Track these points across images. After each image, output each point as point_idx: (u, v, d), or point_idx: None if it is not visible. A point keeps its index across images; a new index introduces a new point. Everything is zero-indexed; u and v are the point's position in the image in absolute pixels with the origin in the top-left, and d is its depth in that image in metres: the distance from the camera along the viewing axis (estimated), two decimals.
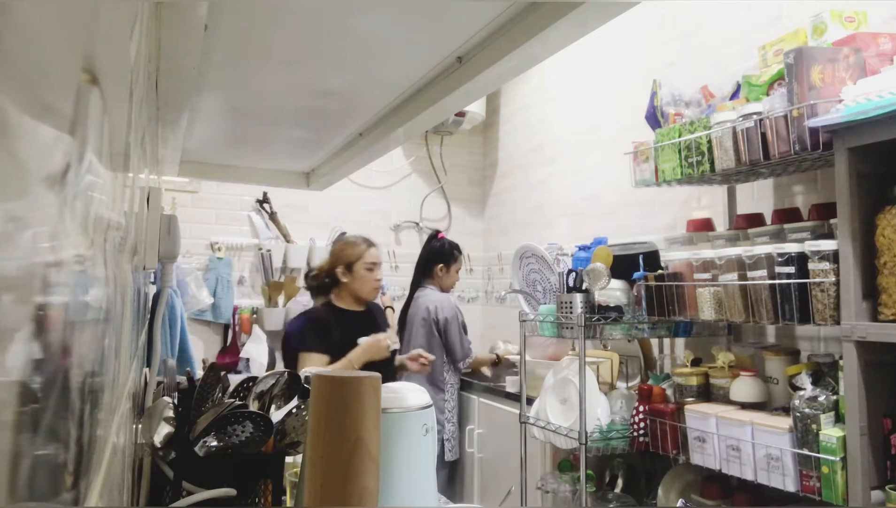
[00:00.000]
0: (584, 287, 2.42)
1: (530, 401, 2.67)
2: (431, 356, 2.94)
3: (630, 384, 2.73)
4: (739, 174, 2.13)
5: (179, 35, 0.99)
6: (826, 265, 1.68)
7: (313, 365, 2.54)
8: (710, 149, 2.06)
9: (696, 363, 2.31)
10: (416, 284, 3.50)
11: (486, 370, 3.63)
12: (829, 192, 2.04)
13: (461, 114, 4.07)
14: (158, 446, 1.14)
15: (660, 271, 2.28)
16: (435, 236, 3.57)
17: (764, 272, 1.84)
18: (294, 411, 1.19)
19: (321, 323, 2.70)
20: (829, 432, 1.70)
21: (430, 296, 3.37)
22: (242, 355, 3.81)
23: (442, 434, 3.38)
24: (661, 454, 2.22)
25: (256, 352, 3.81)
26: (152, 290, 2.15)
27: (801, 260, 1.76)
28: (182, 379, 1.29)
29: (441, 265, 3.44)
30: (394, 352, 2.80)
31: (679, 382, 2.25)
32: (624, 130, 3.03)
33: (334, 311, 2.77)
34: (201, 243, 3.89)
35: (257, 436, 1.11)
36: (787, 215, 2.05)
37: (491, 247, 4.53)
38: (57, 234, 0.32)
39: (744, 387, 2.05)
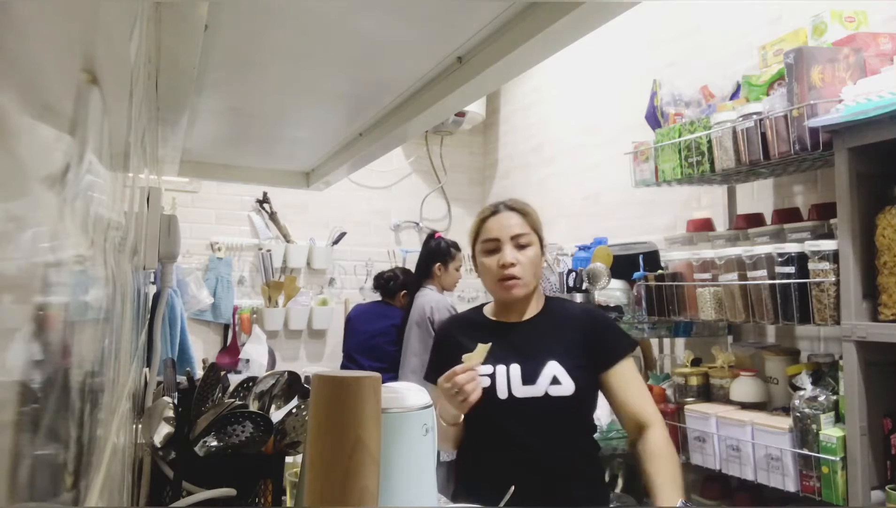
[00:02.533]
0: (584, 287, 2.42)
1: None
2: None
3: None
4: (739, 174, 2.13)
5: (179, 35, 0.99)
6: (826, 265, 1.69)
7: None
8: (710, 149, 2.06)
9: (696, 363, 2.31)
10: (416, 286, 3.50)
11: None
12: (829, 192, 2.04)
13: (461, 114, 4.08)
14: (158, 446, 1.14)
15: (660, 271, 2.29)
16: (432, 236, 3.58)
17: (764, 272, 1.84)
18: (294, 411, 1.19)
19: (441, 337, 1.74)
20: (829, 432, 1.70)
21: (427, 296, 3.37)
22: (242, 355, 3.81)
23: None
24: None
25: (256, 352, 3.81)
26: (152, 290, 2.15)
27: (801, 260, 1.76)
28: (182, 379, 1.29)
29: (439, 264, 3.45)
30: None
31: (679, 382, 2.25)
32: (624, 130, 3.03)
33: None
34: (201, 243, 3.89)
35: (257, 436, 1.11)
36: (787, 215, 2.05)
37: None
38: (57, 234, 0.32)
39: (744, 387, 2.05)
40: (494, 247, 1.57)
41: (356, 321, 3.70)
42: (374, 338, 3.59)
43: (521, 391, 1.48)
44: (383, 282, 3.72)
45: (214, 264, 3.89)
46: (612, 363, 1.50)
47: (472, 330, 1.60)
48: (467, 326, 1.65)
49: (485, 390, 1.45)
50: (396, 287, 3.68)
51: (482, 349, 1.42)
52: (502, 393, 1.48)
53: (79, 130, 0.36)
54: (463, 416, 1.47)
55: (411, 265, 3.92)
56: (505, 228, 1.56)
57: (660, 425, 1.47)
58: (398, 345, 3.52)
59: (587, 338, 1.53)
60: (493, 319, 1.63)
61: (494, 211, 1.61)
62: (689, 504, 1.04)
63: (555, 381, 1.47)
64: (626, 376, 1.51)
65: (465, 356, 1.43)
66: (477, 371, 1.42)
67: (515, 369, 1.50)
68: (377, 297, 3.76)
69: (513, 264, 1.53)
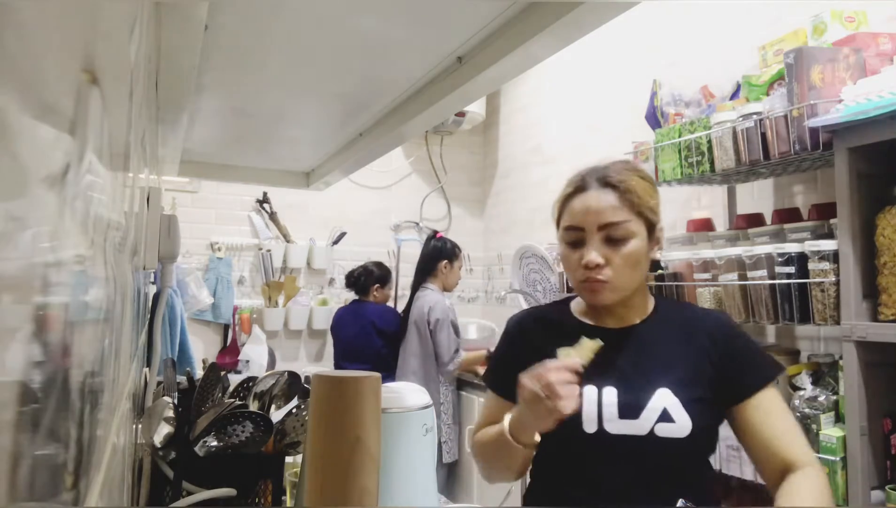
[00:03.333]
0: None
1: None
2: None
3: None
4: (739, 174, 2.13)
5: (179, 35, 0.99)
6: (826, 265, 1.68)
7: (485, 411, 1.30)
8: (710, 149, 2.06)
9: None
10: (417, 284, 3.50)
11: (480, 369, 3.59)
12: (829, 192, 2.04)
13: (461, 114, 4.08)
14: (158, 446, 1.14)
15: (660, 271, 2.29)
16: (434, 235, 3.58)
17: (764, 272, 1.84)
18: (294, 411, 1.19)
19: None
20: (829, 432, 1.70)
21: (427, 297, 3.38)
22: (242, 355, 3.81)
23: (439, 436, 3.37)
24: None
25: (256, 352, 3.81)
26: (152, 290, 2.15)
27: (801, 260, 1.76)
28: (182, 379, 1.29)
29: (445, 262, 3.46)
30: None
31: None
32: (624, 130, 3.03)
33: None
34: (201, 243, 3.90)
35: (257, 436, 1.11)
36: (787, 215, 2.05)
37: (491, 247, 4.53)
38: (57, 234, 0.32)
39: None
40: (577, 238, 1.16)
41: (336, 328, 3.72)
42: (354, 341, 3.62)
43: (616, 425, 1.09)
44: (354, 279, 3.72)
45: (214, 264, 3.89)
46: (748, 394, 1.11)
47: (557, 332, 1.21)
48: (551, 325, 1.25)
49: (563, 420, 1.06)
50: (370, 282, 3.68)
51: (590, 345, 1.07)
52: (590, 425, 1.10)
53: (79, 130, 0.36)
54: (539, 438, 1.11)
55: (409, 256, 3.92)
56: (592, 213, 1.14)
57: (814, 465, 1.09)
58: (379, 340, 3.53)
59: (716, 361, 1.13)
60: (584, 321, 1.23)
61: (581, 186, 1.18)
62: (689, 504, 1.04)
63: (664, 417, 1.08)
64: (766, 408, 1.11)
65: (561, 351, 1.08)
66: (576, 372, 1.04)
67: (611, 394, 1.11)
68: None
69: (598, 266, 1.12)
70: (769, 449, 1.09)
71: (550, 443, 1.11)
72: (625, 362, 1.14)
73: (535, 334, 1.25)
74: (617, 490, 1.08)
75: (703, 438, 1.11)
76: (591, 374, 1.10)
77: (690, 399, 1.09)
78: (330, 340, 4.17)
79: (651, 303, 1.22)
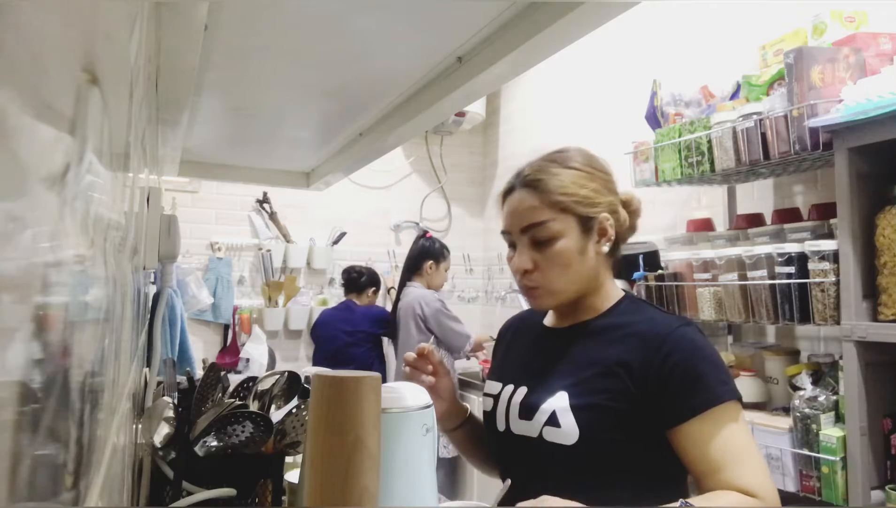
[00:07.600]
0: None
1: None
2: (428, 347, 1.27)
3: None
4: (739, 174, 2.13)
5: (179, 35, 0.99)
6: (826, 265, 1.68)
7: None
8: (710, 149, 2.06)
9: None
10: (404, 282, 3.54)
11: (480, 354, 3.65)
12: (829, 192, 2.04)
13: (461, 114, 4.08)
14: (158, 446, 1.14)
15: (660, 271, 2.29)
16: (423, 235, 3.64)
17: (764, 272, 1.84)
18: (294, 411, 1.19)
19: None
20: (829, 432, 1.70)
21: (413, 294, 3.41)
22: (242, 355, 3.81)
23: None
24: None
25: (256, 352, 3.82)
26: (152, 290, 2.15)
27: (801, 260, 1.76)
28: (182, 379, 1.29)
29: (431, 262, 3.50)
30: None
31: None
32: (624, 130, 3.03)
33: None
34: (201, 243, 3.90)
35: (257, 436, 1.11)
36: (787, 215, 2.05)
37: (491, 247, 4.53)
38: (57, 234, 0.32)
39: (744, 387, 2.05)
40: (510, 242, 1.14)
41: (321, 328, 3.75)
42: (335, 343, 3.65)
43: (517, 425, 1.09)
44: (355, 275, 3.79)
45: (214, 264, 3.89)
46: (681, 419, 0.99)
47: (523, 333, 1.25)
48: (523, 326, 1.27)
49: (486, 415, 1.17)
50: (366, 283, 3.78)
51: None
52: (500, 424, 1.12)
53: (79, 130, 0.36)
54: (461, 426, 1.23)
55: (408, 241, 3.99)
56: (515, 216, 1.11)
57: (761, 495, 0.96)
58: (362, 346, 3.56)
59: (640, 373, 1.01)
60: (545, 323, 1.21)
61: (509, 188, 1.17)
62: (689, 504, 1.03)
63: (552, 420, 1.03)
64: (698, 438, 0.99)
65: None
66: (432, 356, 1.16)
67: (521, 393, 1.11)
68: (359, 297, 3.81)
69: (527, 272, 1.09)
70: (706, 486, 1.01)
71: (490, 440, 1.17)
72: (544, 362, 1.12)
73: (511, 336, 1.29)
74: (518, 489, 0.99)
75: (599, 450, 1.01)
76: (514, 373, 1.16)
77: (583, 406, 1.02)
78: None
79: (612, 302, 1.13)
